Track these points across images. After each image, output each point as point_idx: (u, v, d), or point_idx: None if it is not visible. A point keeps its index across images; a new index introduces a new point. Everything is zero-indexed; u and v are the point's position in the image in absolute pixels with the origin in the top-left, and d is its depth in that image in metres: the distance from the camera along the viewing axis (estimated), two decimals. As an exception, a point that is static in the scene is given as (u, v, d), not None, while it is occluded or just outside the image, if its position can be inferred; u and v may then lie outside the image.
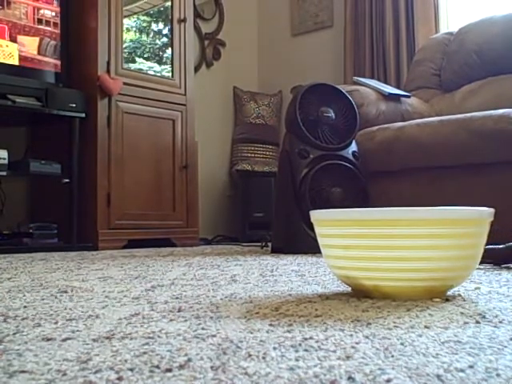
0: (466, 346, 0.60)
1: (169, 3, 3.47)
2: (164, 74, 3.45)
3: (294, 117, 2.42)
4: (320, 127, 2.46)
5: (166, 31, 3.54)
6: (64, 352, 0.58)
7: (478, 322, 0.73)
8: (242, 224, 3.83)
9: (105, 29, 3.09)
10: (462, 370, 0.50)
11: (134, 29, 3.43)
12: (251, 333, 0.67)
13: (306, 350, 0.58)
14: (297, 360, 0.54)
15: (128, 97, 3.16)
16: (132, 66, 3.31)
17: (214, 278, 1.35)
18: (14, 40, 2.90)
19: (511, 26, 2.87)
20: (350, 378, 0.48)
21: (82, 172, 3.01)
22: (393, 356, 0.56)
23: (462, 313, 0.81)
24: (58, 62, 3.06)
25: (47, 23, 3.05)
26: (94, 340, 0.64)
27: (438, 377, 0.48)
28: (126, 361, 0.54)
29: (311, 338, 0.65)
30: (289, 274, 1.42)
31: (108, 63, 3.09)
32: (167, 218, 3.30)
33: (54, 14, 3.07)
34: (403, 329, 0.69)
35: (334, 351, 0.58)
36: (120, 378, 0.48)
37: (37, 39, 2.99)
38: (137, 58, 3.39)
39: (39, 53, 2.99)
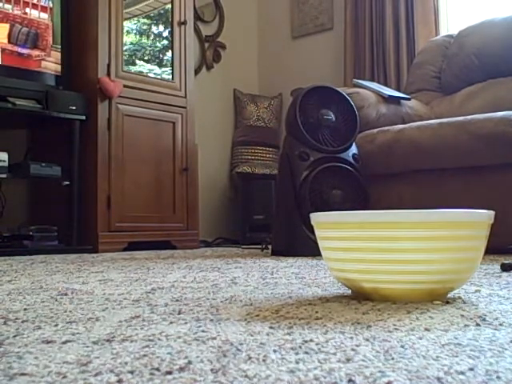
0: (467, 348, 0.60)
1: (169, 6, 3.48)
2: (164, 76, 3.46)
3: (294, 119, 2.42)
4: (320, 130, 2.46)
5: (166, 34, 3.54)
6: (64, 354, 0.58)
7: (478, 325, 0.73)
8: (242, 226, 3.83)
9: (105, 31, 3.09)
10: (462, 373, 0.50)
11: (135, 31, 3.43)
12: (251, 335, 0.67)
13: (306, 353, 0.58)
14: (297, 362, 0.54)
15: (128, 99, 3.16)
16: (132, 68, 3.31)
17: (214, 280, 1.35)
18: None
19: (511, 29, 2.87)
20: (350, 380, 0.48)
21: (82, 174, 3.01)
22: (393, 358, 0.55)
23: (462, 315, 0.81)
24: (59, 65, 3.07)
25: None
26: (94, 342, 0.64)
27: (439, 379, 0.48)
28: (126, 363, 0.54)
29: (311, 340, 0.65)
30: (289, 277, 1.42)
31: (108, 66, 3.10)
32: (167, 221, 3.30)
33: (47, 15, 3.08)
34: (403, 331, 0.69)
35: (334, 354, 0.58)
36: (120, 381, 0.48)
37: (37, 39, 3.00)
38: (137, 61, 3.39)
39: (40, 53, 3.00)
